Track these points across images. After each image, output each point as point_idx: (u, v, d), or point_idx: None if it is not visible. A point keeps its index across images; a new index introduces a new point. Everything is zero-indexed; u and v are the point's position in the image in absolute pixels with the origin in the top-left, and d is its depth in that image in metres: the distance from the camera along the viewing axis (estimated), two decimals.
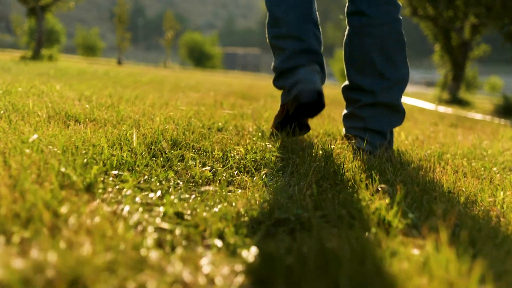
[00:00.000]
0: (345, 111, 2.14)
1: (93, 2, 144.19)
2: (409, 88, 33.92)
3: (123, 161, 1.36)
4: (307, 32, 2.01)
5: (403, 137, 2.60)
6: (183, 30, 40.61)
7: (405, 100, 9.37)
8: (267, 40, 2.12)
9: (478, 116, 6.51)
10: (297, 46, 1.99)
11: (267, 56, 59.79)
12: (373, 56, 2.00)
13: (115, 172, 1.25)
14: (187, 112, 2.54)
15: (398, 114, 2.02)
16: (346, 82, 2.11)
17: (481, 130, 3.87)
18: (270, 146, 1.89)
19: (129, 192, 1.10)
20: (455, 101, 10.85)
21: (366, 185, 1.34)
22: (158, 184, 1.22)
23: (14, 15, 31.08)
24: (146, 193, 1.13)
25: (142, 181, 1.23)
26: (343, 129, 2.19)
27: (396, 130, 2.84)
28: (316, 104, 1.89)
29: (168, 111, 2.51)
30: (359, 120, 2.02)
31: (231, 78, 15.27)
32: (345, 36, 2.10)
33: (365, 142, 1.91)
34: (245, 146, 1.83)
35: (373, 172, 1.51)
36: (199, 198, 1.15)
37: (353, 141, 1.99)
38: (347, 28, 2.09)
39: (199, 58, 33.80)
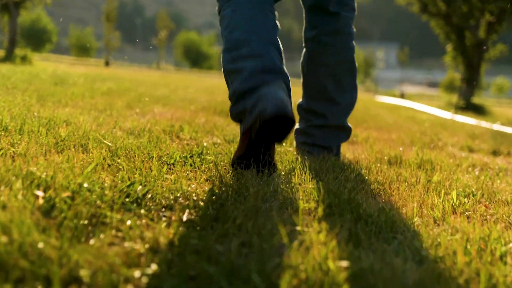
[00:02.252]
0: (298, 126, 2.29)
1: (92, 1, 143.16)
2: (411, 89, 32.94)
3: None
4: (270, 51, 1.75)
5: (454, 198, 1.58)
6: (183, 30, 39.59)
7: (418, 107, 8.35)
8: (223, 69, 1.82)
9: None
10: (259, 64, 1.70)
11: None
12: (325, 84, 2.17)
13: None
14: (86, 167, 1.50)
15: (344, 132, 2.26)
16: (301, 101, 2.27)
17: None
18: None
19: None
20: (470, 107, 9.83)
21: None
22: None
23: None
24: None
25: None
26: (294, 143, 2.34)
27: (444, 186, 1.81)
28: (285, 120, 1.54)
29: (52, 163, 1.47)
30: (309, 137, 2.22)
31: (223, 80, 14.23)
32: (302, 57, 2.22)
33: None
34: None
35: None
36: None
37: (302, 153, 2.15)
38: (304, 50, 2.20)
39: (195, 59, 32.68)
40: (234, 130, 2.75)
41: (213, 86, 8.75)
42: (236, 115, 1.75)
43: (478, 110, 9.70)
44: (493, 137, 4.18)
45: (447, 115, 7.56)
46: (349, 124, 2.27)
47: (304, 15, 2.21)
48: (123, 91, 4.41)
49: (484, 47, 9.75)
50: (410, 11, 10.96)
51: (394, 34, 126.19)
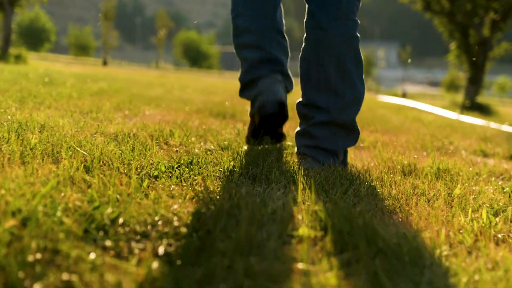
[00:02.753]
0: (298, 128, 2.07)
1: (92, 1, 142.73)
2: (412, 88, 32.69)
3: None
4: (268, 41, 2.03)
5: (483, 217, 1.35)
6: (183, 29, 39.30)
7: (422, 107, 8.12)
8: (235, 51, 2.18)
9: None
10: (257, 55, 2.02)
11: None
12: (329, 72, 1.97)
13: None
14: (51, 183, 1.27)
15: (352, 133, 2.03)
16: (300, 99, 2.07)
17: None
18: None
19: None
20: (475, 107, 9.59)
21: None
22: None
23: None
24: None
25: None
26: (296, 148, 2.09)
27: (469, 201, 1.57)
28: (279, 115, 1.97)
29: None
30: (312, 139, 1.98)
31: (223, 79, 13.96)
32: (302, 51, 2.05)
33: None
34: None
35: None
36: None
37: (305, 161, 1.92)
38: (304, 43, 2.04)
39: (195, 58, 32.36)
40: (229, 134, 2.52)
41: (211, 86, 8.52)
42: (244, 98, 2.26)
43: (483, 110, 9.46)
44: (506, 139, 3.95)
45: (453, 115, 7.33)
46: (358, 126, 2.03)
47: (306, 9, 2.04)
48: (115, 92, 4.17)
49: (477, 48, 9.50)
50: (412, 9, 10.73)
51: (394, 33, 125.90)
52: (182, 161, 1.69)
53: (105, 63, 15.40)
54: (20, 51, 11.10)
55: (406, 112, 6.21)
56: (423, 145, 2.92)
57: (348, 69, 1.96)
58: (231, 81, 14.89)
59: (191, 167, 1.64)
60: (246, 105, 4.46)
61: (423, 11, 10.42)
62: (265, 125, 2.06)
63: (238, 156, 1.87)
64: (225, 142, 2.17)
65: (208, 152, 1.97)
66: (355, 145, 2.16)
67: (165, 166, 1.61)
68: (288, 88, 2.19)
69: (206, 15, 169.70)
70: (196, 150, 1.98)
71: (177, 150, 1.94)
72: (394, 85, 55.97)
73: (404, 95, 15.29)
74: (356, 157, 2.25)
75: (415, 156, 2.22)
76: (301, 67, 2.03)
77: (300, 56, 2.04)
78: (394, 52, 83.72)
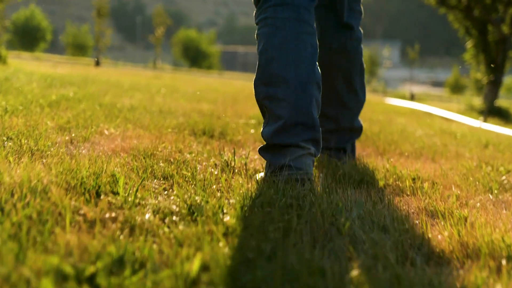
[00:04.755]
0: None
1: None
2: (415, 88, 31.81)
3: None
4: (307, 100, 1.74)
5: None
6: (182, 27, 38.44)
7: (437, 112, 7.28)
8: (256, 98, 1.81)
9: None
10: (294, 118, 1.72)
11: None
12: (337, 87, 2.22)
13: None
14: None
15: (356, 132, 2.32)
16: None
17: None
18: None
19: None
20: (494, 111, 8.76)
21: None
22: None
23: None
24: None
25: None
26: None
27: None
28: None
29: None
30: (323, 141, 2.13)
31: (222, 79, 12.93)
32: None
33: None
34: None
35: None
36: None
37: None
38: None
39: (194, 57, 31.33)
40: (211, 170, 1.72)
41: (205, 88, 7.71)
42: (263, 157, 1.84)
43: (503, 115, 8.64)
44: None
45: (475, 122, 6.52)
46: (360, 121, 2.34)
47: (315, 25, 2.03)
48: (77, 101, 3.37)
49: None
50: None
51: (396, 32, 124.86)
52: (99, 264, 0.89)
53: (97, 63, 14.56)
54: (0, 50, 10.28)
55: (426, 120, 5.39)
56: (479, 179, 2.10)
57: (353, 82, 2.23)
58: (230, 81, 13.99)
59: (110, 280, 0.84)
60: (241, 118, 3.64)
61: (436, 5, 9.57)
62: None
63: (217, 229, 1.07)
64: (197, 199, 1.36)
65: (163, 226, 1.17)
66: (394, 188, 1.38)
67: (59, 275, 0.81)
68: (316, 152, 1.82)
69: (207, 13, 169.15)
70: (147, 216, 1.19)
71: (105, 225, 1.14)
72: (397, 85, 55.16)
73: (412, 97, 14.48)
74: (400, 208, 1.44)
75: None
76: None
77: None
78: (396, 51, 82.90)
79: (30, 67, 9.50)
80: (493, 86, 9.26)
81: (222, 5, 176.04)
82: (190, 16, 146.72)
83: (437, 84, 61.00)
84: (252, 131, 3.00)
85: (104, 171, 1.50)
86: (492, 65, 9.05)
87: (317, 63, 1.81)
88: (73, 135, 2.20)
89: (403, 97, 14.58)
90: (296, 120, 1.71)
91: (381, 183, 1.88)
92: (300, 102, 1.71)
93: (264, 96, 1.75)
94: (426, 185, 1.88)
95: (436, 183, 1.98)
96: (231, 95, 6.30)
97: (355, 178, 1.89)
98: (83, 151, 1.96)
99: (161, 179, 1.65)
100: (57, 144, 2.01)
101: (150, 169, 1.72)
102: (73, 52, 31.83)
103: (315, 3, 1.82)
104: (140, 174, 1.66)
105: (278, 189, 1.47)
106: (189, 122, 2.95)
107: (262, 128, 1.81)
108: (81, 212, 1.19)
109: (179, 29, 34.06)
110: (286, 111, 1.71)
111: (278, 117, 1.72)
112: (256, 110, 4.19)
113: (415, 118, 5.63)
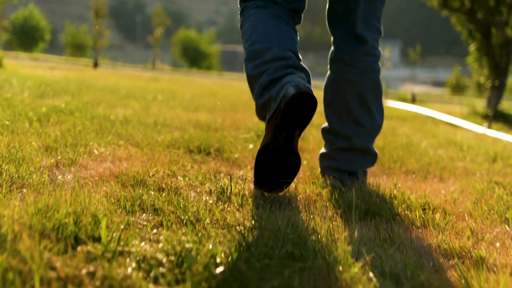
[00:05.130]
0: (323, 150, 2.26)
1: None
2: (416, 88, 31.71)
3: None
4: (291, 55, 1.88)
5: None
6: (181, 27, 38.22)
7: (440, 116, 7.13)
8: (246, 77, 1.98)
9: None
10: (283, 63, 1.84)
11: None
12: (350, 103, 2.13)
13: None
14: None
15: (370, 156, 2.21)
16: (326, 124, 2.23)
17: None
18: None
19: None
20: (498, 116, 8.61)
21: None
22: None
23: None
24: None
25: None
26: (319, 168, 2.25)
27: None
28: (307, 98, 1.70)
29: None
30: (334, 161, 2.17)
31: (221, 81, 12.71)
32: (326, 80, 2.20)
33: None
34: None
35: None
36: None
37: (328, 180, 2.12)
38: (328, 73, 2.19)
39: (194, 58, 31.14)
40: (205, 198, 1.57)
41: (204, 92, 7.57)
42: (261, 109, 1.88)
43: (507, 120, 8.49)
44: None
45: (478, 128, 6.38)
46: (375, 150, 2.24)
47: (332, 40, 2.21)
48: (69, 114, 3.22)
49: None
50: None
51: (396, 32, 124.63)
52: None
53: (96, 64, 14.41)
54: None
55: (432, 128, 5.24)
56: (497, 208, 1.96)
57: (368, 100, 2.14)
58: (229, 82, 13.80)
59: None
60: (239, 129, 3.51)
61: (439, 8, 9.42)
62: (291, 117, 1.72)
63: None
64: (187, 246, 1.21)
65: (147, 283, 1.03)
66: (402, 220, 1.27)
67: None
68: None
69: (208, 12, 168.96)
70: (129, 270, 1.05)
71: (79, 285, 1.00)
72: (398, 85, 54.92)
73: (413, 99, 14.34)
74: (411, 244, 1.29)
75: None
76: (324, 96, 2.22)
77: (324, 84, 2.22)
78: (396, 50, 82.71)
79: (26, 69, 9.37)
80: (497, 90, 9.11)
81: (222, 4, 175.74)
82: (190, 15, 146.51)
83: (438, 84, 60.83)
84: (251, 146, 2.86)
85: (86, 208, 1.36)
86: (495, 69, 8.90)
87: (295, 43, 1.96)
88: (59, 157, 2.06)
89: (404, 99, 14.43)
90: (285, 64, 1.83)
91: (389, 214, 1.74)
92: (286, 56, 1.85)
93: (252, 66, 1.91)
94: (437, 216, 1.74)
95: (447, 212, 1.84)
96: (230, 101, 6.16)
97: (361, 208, 1.75)
98: (68, 177, 1.83)
99: (150, 213, 1.52)
100: (41, 169, 1.87)
101: (138, 201, 1.58)
102: (72, 52, 31.70)
103: (294, 5, 2.02)
104: (127, 207, 1.52)
105: (279, 229, 1.33)
106: (184, 137, 2.81)
107: (255, 103, 1.91)
108: (55, 266, 1.05)
109: (179, 29, 33.86)
110: (275, 63, 1.83)
111: (267, 70, 1.84)
112: (255, 120, 4.05)
113: (418, 125, 5.48)
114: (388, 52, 21.85)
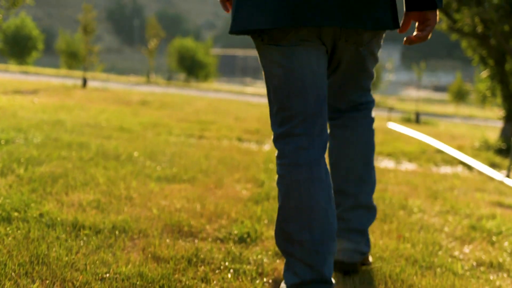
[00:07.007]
0: None
1: (90, 1, 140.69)
2: (417, 94, 31.04)
3: None
4: (321, 260, 1.81)
5: None
6: (183, 30, 37.50)
7: (449, 151, 6.43)
8: (276, 244, 1.89)
9: None
10: (308, 275, 1.80)
11: None
12: (355, 164, 2.24)
13: None
14: None
15: (372, 211, 2.29)
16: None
17: None
18: None
19: None
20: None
21: None
22: None
23: None
24: None
25: None
26: None
27: None
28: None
29: None
30: (343, 222, 2.22)
31: (220, 100, 11.80)
32: (330, 144, 2.26)
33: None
34: None
35: None
36: None
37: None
38: (330, 138, 2.24)
39: (190, 67, 30.40)
40: None
41: (192, 131, 6.90)
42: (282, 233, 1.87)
43: None
44: None
45: (496, 175, 5.70)
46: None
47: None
48: (6, 218, 2.53)
49: None
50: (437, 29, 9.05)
51: (396, 35, 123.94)
52: None
53: (84, 83, 13.72)
54: None
55: (447, 196, 4.53)
56: None
57: (368, 159, 2.25)
58: (228, 99, 13.00)
59: None
60: (221, 218, 2.78)
61: (448, 31, 8.75)
62: None
63: None
64: None
65: None
66: None
67: None
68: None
69: (206, 15, 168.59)
70: None
71: None
72: (398, 90, 54.21)
73: (417, 119, 13.70)
74: None
75: None
76: (330, 158, 2.27)
77: (328, 147, 2.25)
78: (397, 54, 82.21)
79: (4, 98, 8.71)
80: (510, 121, 8.43)
81: (221, 7, 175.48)
82: (188, 18, 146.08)
83: (439, 88, 60.16)
84: (228, 266, 2.17)
85: None
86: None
87: (333, 209, 1.85)
88: None
89: (408, 119, 13.77)
90: (311, 277, 1.78)
91: None
92: (315, 263, 1.78)
93: (283, 250, 1.86)
94: None
95: None
96: (219, 154, 5.48)
97: None
98: None
99: None
100: None
101: None
102: (66, 60, 31.06)
103: (325, 151, 1.88)
104: None
105: None
106: (173, 207, 2.11)
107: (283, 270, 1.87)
108: None
109: (175, 38, 33.14)
110: (301, 270, 1.79)
111: (295, 273, 1.81)
112: (244, 196, 3.38)
113: (430, 178, 4.80)
114: (390, 65, 21.24)
